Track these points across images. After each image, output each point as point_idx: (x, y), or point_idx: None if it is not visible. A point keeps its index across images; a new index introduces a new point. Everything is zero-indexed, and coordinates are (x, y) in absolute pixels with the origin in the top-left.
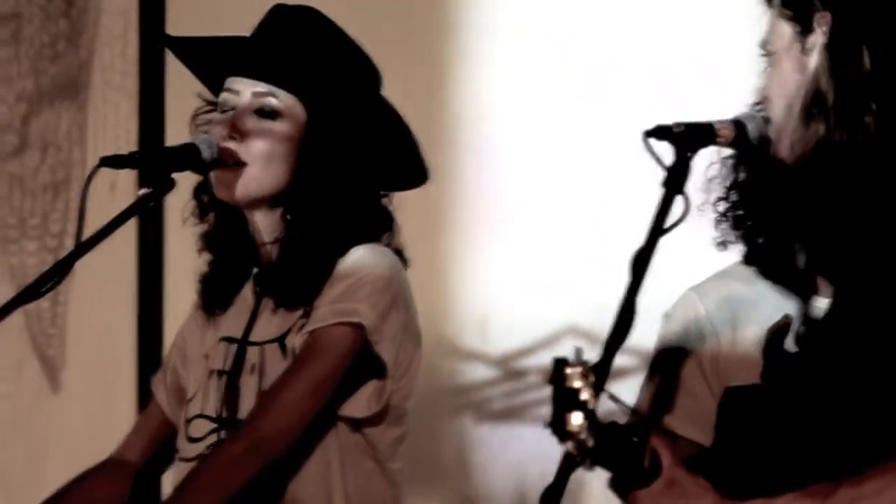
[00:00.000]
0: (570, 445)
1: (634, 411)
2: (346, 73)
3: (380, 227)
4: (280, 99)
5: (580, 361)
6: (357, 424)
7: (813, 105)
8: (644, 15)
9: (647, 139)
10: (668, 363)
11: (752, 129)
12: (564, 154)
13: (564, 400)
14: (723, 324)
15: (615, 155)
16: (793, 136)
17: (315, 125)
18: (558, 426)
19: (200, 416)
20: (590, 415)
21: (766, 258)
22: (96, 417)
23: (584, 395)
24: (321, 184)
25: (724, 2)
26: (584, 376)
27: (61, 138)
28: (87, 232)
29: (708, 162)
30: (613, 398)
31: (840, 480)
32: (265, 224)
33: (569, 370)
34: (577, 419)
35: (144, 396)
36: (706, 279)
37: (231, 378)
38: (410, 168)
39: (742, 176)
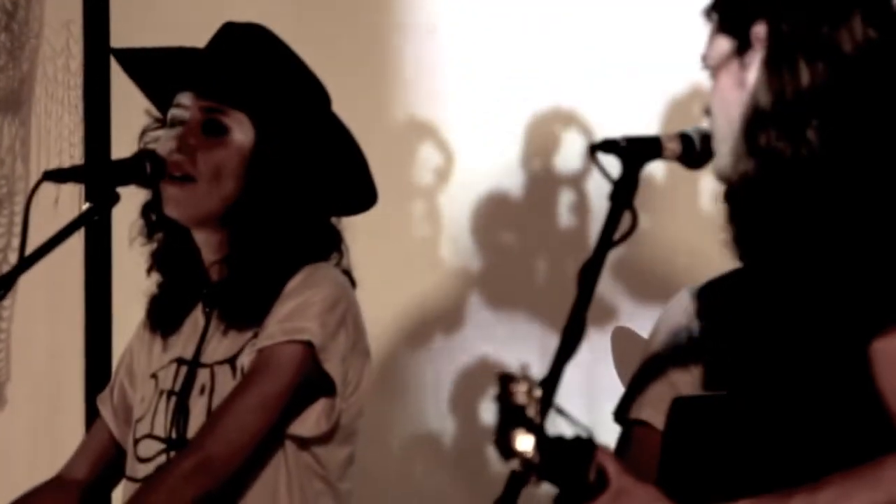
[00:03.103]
0: (515, 463)
1: (580, 425)
2: (295, 92)
3: (328, 247)
4: (229, 115)
5: (525, 377)
6: (306, 443)
7: (753, 119)
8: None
9: (594, 153)
10: (657, 357)
11: (699, 144)
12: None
13: (510, 417)
14: (708, 320)
15: (567, 160)
16: (736, 151)
17: (263, 142)
18: (504, 444)
19: (149, 436)
20: (536, 431)
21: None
22: (41, 433)
23: (530, 412)
24: (267, 202)
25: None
26: (530, 392)
27: (4, 152)
28: (31, 247)
29: None
30: (561, 412)
31: (795, 489)
32: (212, 242)
33: (514, 386)
34: (522, 437)
35: (92, 413)
36: (704, 281)
37: (181, 398)
38: (359, 189)
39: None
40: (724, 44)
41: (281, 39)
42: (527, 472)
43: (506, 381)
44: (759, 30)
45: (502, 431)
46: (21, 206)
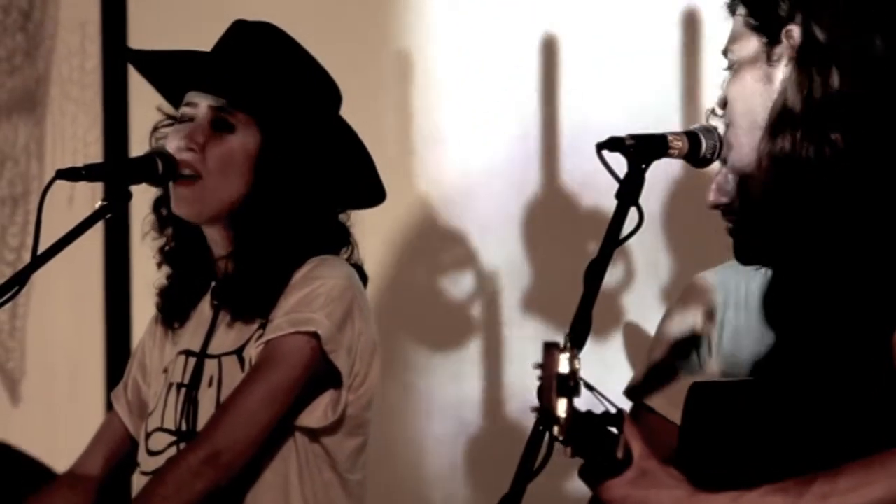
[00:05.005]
0: (556, 431)
1: (611, 403)
2: (301, 94)
3: (336, 243)
4: (235, 115)
5: (569, 347)
6: (315, 435)
7: (780, 119)
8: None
9: (600, 151)
10: (670, 337)
11: (706, 142)
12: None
13: (553, 384)
14: (724, 300)
15: (573, 158)
16: (759, 149)
17: (268, 144)
18: (546, 411)
19: (160, 429)
20: (573, 402)
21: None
22: (56, 430)
23: (571, 382)
24: (273, 201)
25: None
26: (573, 362)
27: (19, 152)
28: (45, 245)
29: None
30: (591, 389)
31: (815, 475)
32: (221, 239)
33: (558, 355)
34: (564, 405)
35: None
36: (716, 268)
37: (189, 391)
38: (366, 188)
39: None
40: (751, 38)
41: (291, 38)
42: (566, 439)
43: (551, 348)
44: (793, 30)
45: (546, 398)
46: (36, 205)
